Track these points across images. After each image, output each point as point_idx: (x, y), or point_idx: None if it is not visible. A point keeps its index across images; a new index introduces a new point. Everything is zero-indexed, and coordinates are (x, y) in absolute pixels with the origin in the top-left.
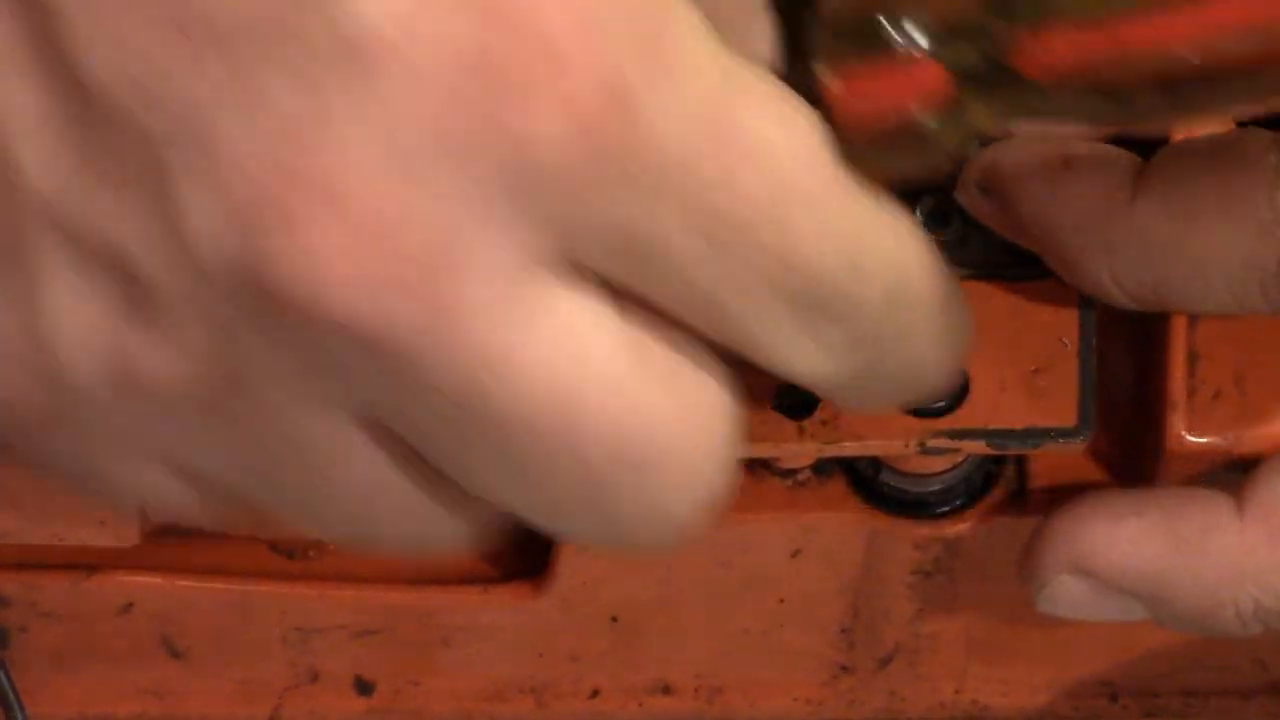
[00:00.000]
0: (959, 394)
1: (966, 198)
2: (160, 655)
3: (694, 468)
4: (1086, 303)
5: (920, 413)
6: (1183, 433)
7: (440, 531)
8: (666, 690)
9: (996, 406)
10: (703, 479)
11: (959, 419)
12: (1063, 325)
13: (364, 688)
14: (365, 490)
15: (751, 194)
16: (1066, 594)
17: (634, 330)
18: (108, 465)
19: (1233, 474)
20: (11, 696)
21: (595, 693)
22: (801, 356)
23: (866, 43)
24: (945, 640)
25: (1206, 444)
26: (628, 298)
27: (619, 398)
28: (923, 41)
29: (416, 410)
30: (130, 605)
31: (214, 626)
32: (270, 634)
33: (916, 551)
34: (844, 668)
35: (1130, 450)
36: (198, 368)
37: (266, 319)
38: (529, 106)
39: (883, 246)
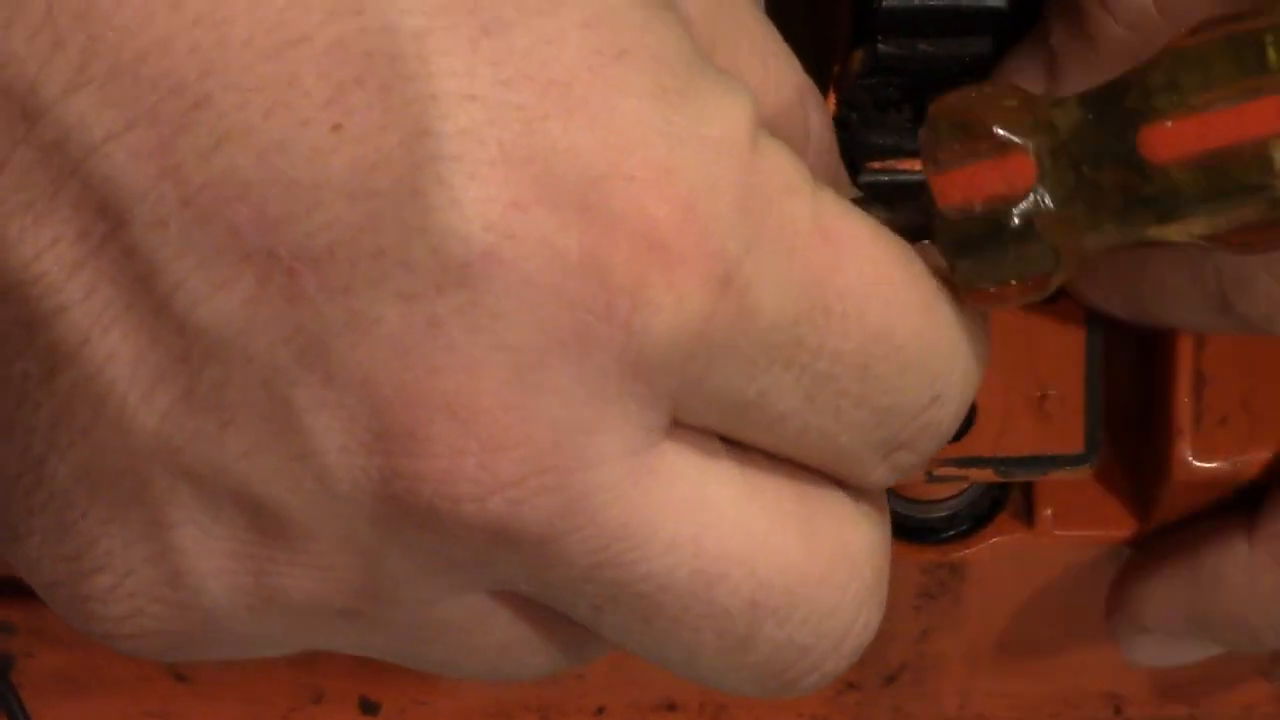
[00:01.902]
0: (966, 421)
1: None
2: (166, 679)
3: (836, 609)
4: (1093, 328)
5: None
6: (1189, 458)
7: (572, 664)
8: (671, 708)
9: (1003, 434)
10: (845, 620)
11: (966, 447)
12: (1069, 351)
13: (369, 708)
14: (503, 648)
15: (846, 355)
16: (1144, 650)
17: (750, 473)
18: (247, 657)
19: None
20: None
21: (600, 710)
22: (875, 479)
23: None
24: (950, 658)
25: (1214, 469)
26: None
27: (754, 544)
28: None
29: (555, 585)
30: None
31: None
32: (276, 657)
33: (923, 575)
34: (849, 684)
35: (1138, 475)
36: (336, 584)
37: (405, 534)
38: (640, 301)
39: (961, 371)
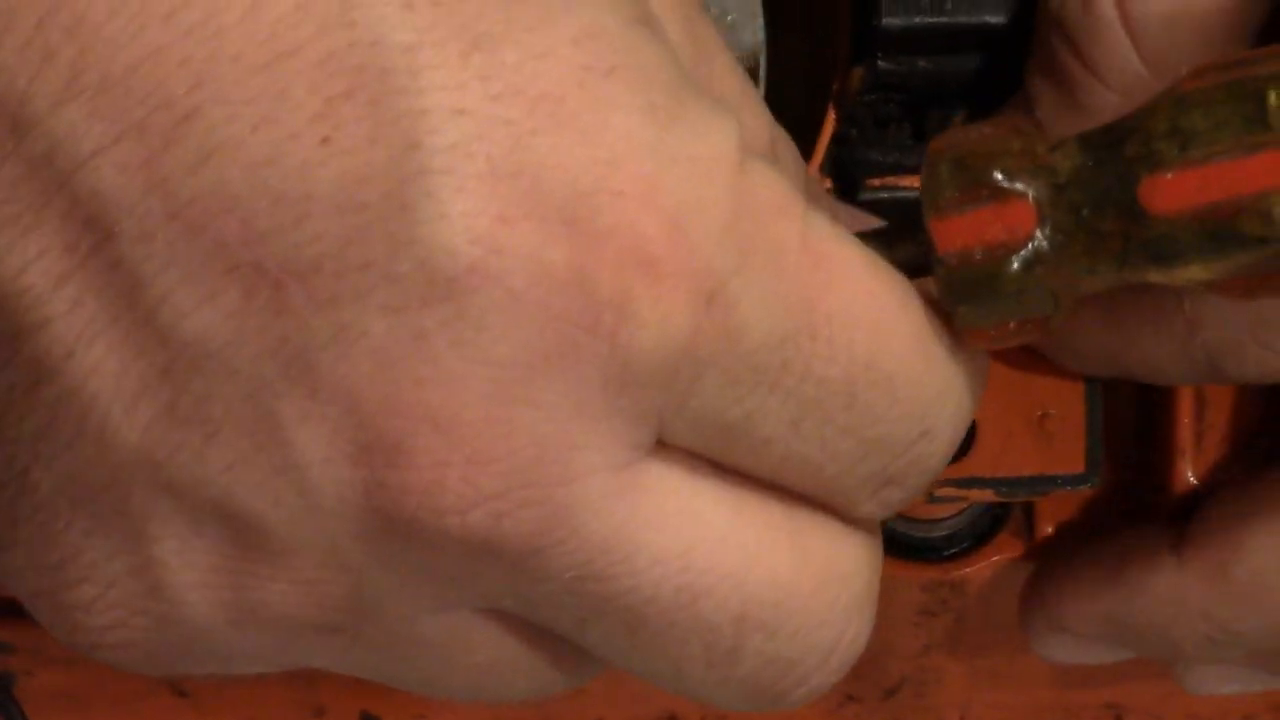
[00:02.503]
0: (966, 441)
1: None
2: (167, 695)
3: (824, 623)
4: None
5: None
6: (1190, 478)
7: (560, 685)
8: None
9: (1004, 454)
10: (833, 634)
11: (966, 467)
12: (1069, 371)
13: None
14: (488, 668)
15: (832, 381)
16: (1056, 648)
17: (738, 491)
18: (229, 672)
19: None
20: None
21: None
22: (863, 512)
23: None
24: (950, 671)
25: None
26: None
27: (741, 559)
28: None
29: (538, 599)
30: None
31: None
32: (276, 673)
33: (923, 593)
34: (850, 696)
35: (1138, 494)
36: (318, 599)
37: (388, 547)
38: (625, 315)
39: (954, 406)
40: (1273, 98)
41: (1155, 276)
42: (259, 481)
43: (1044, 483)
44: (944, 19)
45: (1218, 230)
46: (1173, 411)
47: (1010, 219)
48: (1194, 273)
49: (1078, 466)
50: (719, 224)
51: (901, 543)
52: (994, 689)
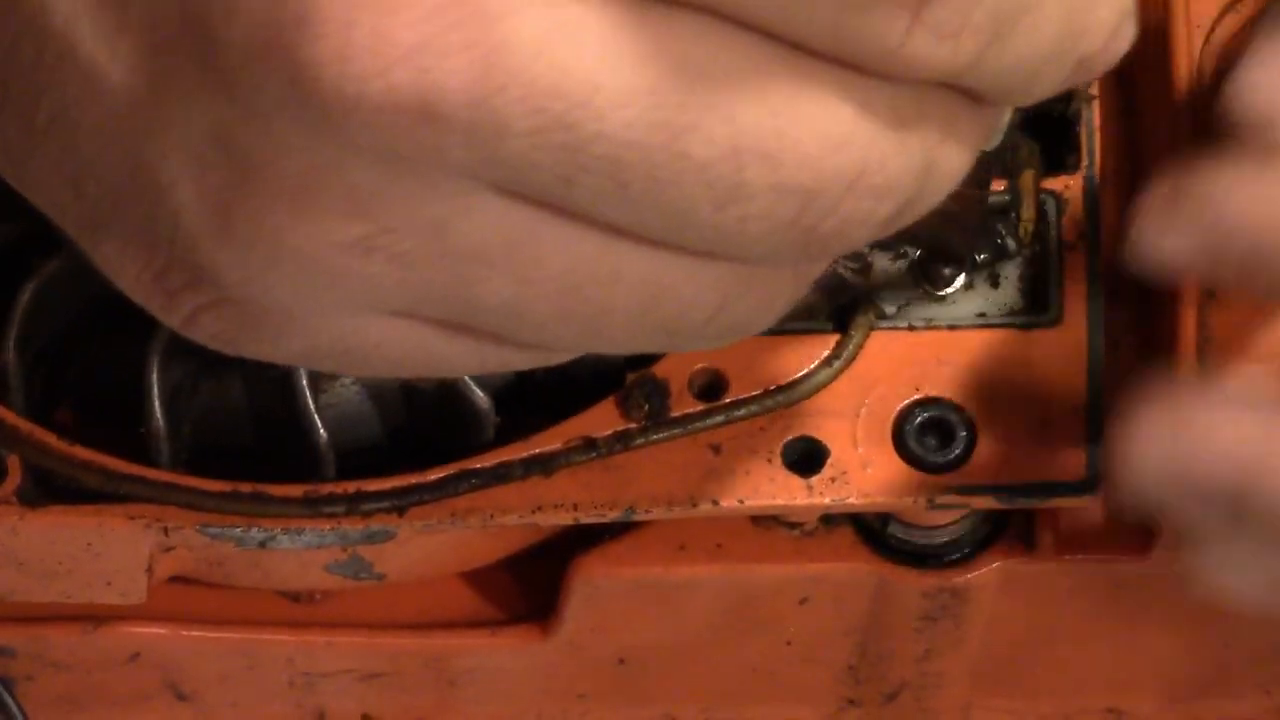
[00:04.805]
0: (967, 448)
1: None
2: (168, 698)
3: (841, 147)
4: (1095, 354)
5: (928, 468)
6: None
7: (674, 295)
8: None
9: (1005, 461)
10: (853, 159)
11: (967, 474)
12: (1071, 378)
13: None
14: (565, 272)
15: None
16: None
17: (717, 26)
18: (330, 324)
19: None
20: None
21: None
22: (909, 52)
23: None
24: (951, 676)
25: None
26: None
27: (725, 88)
28: None
29: (510, 161)
30: (137, 654)
31: (221, 671)
32: (277, 678)
33: (924, 599)
34: (850, 701)
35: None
36: (323, 203)
37: (336, 134)
38: None
39: None
40: None
41: None
42: (245, 115)
43: (1045, 490)
44: None
45: None
46: None
47: None
48: None
49: (1079, 474)
50: None
51: (901, 549)
52: (995, 694)
